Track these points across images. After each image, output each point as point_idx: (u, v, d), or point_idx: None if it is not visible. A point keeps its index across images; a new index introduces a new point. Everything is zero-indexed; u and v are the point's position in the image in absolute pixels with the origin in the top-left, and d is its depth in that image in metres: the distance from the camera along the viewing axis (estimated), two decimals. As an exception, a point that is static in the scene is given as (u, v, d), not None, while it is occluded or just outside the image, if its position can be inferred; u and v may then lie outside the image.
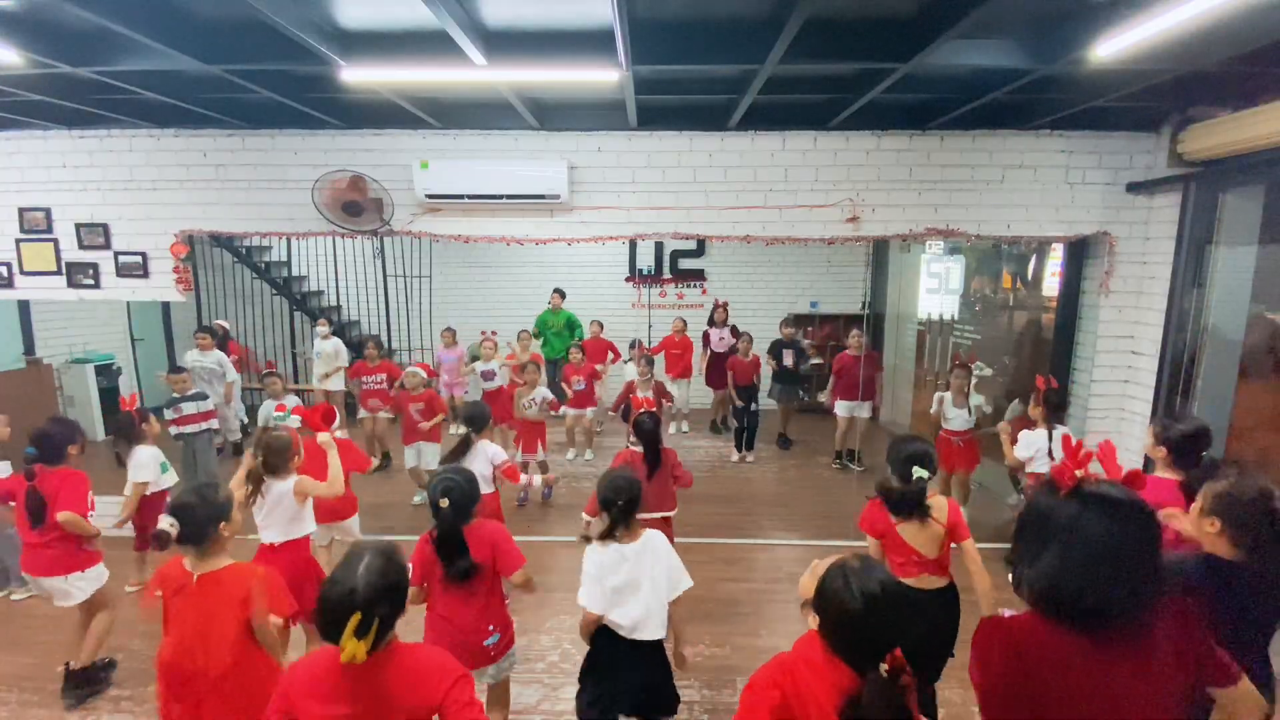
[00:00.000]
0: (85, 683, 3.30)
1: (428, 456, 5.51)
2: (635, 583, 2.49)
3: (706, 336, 7.78)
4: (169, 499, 2.34)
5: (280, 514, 3.10)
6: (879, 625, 1.45)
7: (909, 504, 2.65)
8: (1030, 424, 4.32)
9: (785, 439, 7.54)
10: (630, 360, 7.13)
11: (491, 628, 2.59)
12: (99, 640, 3.32)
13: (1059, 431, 4.19)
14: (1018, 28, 3.27)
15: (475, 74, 3.50)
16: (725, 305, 7.84)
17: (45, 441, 3.21)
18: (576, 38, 3.40)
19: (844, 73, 3.88)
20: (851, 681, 1.44)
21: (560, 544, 5.05)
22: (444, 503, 2.46)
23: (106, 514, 3.38)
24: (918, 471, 2.61)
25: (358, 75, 3.50)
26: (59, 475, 3.20)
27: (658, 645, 2.56)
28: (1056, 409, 4.26)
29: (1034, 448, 4.18)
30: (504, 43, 3.39)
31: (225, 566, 2.28)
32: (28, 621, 3.96)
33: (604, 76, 3.51)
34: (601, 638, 2.55)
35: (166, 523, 2.23)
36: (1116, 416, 4.84)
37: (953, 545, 2.76)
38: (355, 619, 1.49)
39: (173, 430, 5.15)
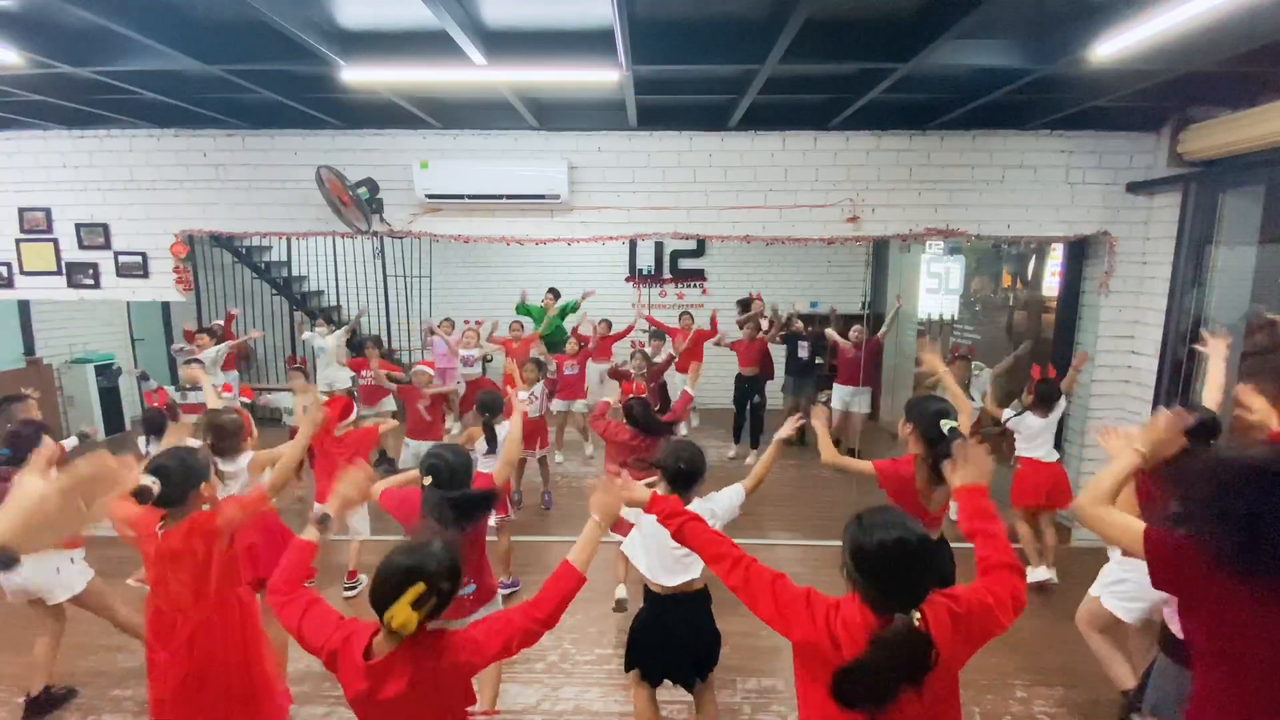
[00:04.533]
0: (47, 707, 3.26)
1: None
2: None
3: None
4: (149, 460, 2.34)
5: (241, 489, 3.19)
6: (907, 569, 1.53)
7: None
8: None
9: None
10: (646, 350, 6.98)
11: (467, 579, 2.63)
12: (46, 663, 3.29)
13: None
14: (1018, 28, 3.27)
15: (475, 74, 3.50)
16: (759, 296, 7.77)
17: (18, 443, 3.14)
18: (576, 38, 3.40)
19: (844, 73, 3.88)
20: (877, 622, 1.52)
21: (559, 544, 5.05)
22: (427, 480, 2.51)
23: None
24: (947, 423, 2.62)
25: (358, 75, 3.50)
26: None
27: (684, 601, 2.75)
28: (1043, 399, 4.30)
29: (1014, 418, 4.38)
30: (504, 43, 3.39)
31: (188, 517, 2.30)
32: (27, 622, 3.95)
33: (604, 76, 3.51)
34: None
35: (149, 480, 2.19)
36: (1116, 417, 4.83)
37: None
38: (419, 589, 1.54)
39: None
